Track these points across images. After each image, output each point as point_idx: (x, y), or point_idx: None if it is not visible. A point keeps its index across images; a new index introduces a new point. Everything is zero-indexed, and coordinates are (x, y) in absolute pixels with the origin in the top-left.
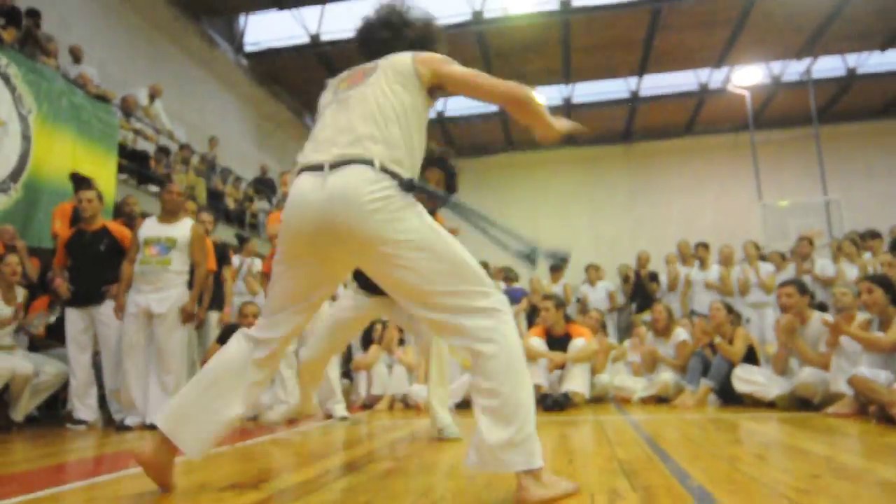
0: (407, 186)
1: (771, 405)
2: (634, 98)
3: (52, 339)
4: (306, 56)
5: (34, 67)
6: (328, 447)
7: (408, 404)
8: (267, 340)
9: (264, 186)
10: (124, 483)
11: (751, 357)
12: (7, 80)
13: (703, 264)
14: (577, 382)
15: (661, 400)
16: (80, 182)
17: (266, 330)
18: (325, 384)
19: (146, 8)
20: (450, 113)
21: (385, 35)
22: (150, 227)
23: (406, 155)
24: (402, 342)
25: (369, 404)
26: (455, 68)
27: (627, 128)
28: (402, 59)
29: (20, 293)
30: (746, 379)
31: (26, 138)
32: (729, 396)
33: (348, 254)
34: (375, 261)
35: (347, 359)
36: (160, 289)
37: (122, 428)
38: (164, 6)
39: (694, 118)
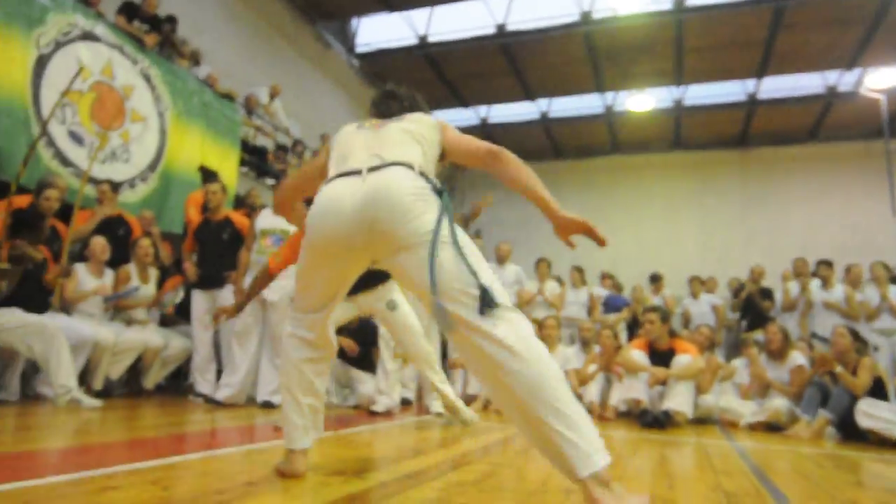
0: (438, 191)
1: None
2: (752, 101)
3: (179, 316)
4: (414, 57)
5: (171, 69)
6: (426, 443)
7: None
8: (312, 341)
9: None
10: (235, 458)
11: (878, 390)
12: (148, 81)
13: (826, 283)
14: (679, 401)
15: (771, 427)
16: (208, 175)
17: (307, 330)
18: (424, 380)
19: (268, 12)
20: (554, 114)
21: (394, 103)
22: (266, 219)
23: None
24: None
25: (465, 403)
26: (471, 140)
27: (743, 132)
28: (427, 116)
29: (153, 274)
30: (871, 414)
31: (163, 133)
32: (850, 431)
33: (376, 249)
34: (405, 254)
35: (443, 356)
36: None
37: (213, 402)
38: (284, 10)
39: (819, 123)
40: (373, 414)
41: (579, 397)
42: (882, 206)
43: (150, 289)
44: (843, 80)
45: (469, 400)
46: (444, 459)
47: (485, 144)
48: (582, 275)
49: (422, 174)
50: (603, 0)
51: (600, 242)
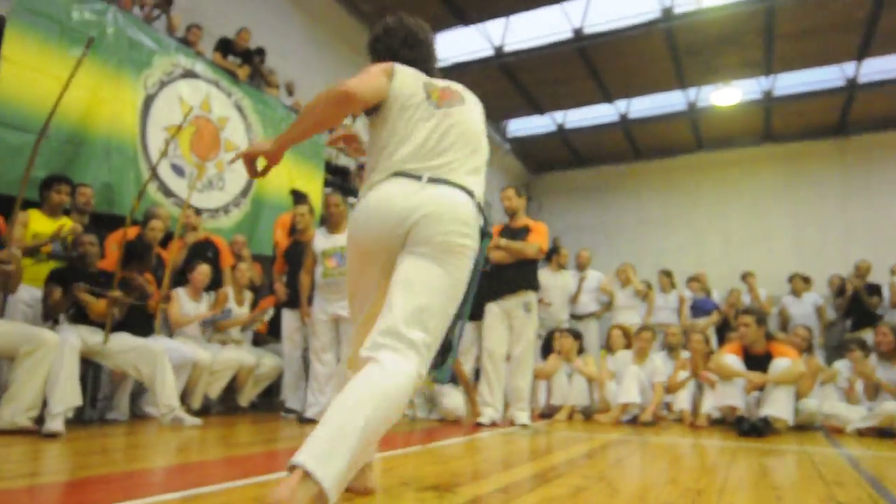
0: (483, 234)
1: None
2: (852, 86)
3: (271, 335)
4: (489, 68)
5: (261, 98)
6: (514, 455)
7: (587, 415)
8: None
9: None
10: None
11: None
12: (241, 111)
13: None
14: (778, 406)
15: (883, 433)
16: (299, 197)
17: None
18: (511, 391)
19: (348, 36)
20: (634, 115)
21: (426, 54)
22: (324, 240)
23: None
24: (580, 351)
25: (548, 413)
26: None
27: (842, 120)
28: (478, 103)
29: (248, 296)
30: None
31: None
32: None
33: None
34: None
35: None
36: (344, 297)
37: (304, 420)
38: (364, 33)
39: None
40: (477, 425)
41: (668, 406)
42: None
43: (244, 310)
44: None
45: (553, 410)
46: (534, 472)
47: None
48: (671, 278)
49: (479, 208)
50: None
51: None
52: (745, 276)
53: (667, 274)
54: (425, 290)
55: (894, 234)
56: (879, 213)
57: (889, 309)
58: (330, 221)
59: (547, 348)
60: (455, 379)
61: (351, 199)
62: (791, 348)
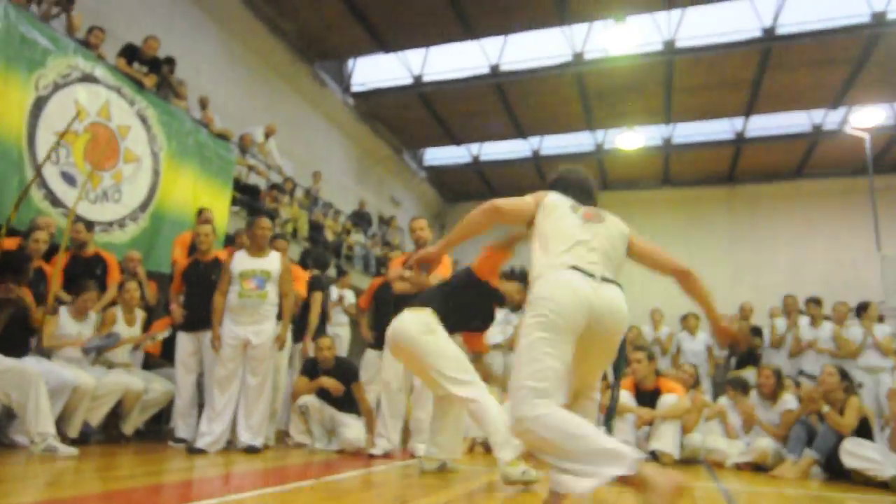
0: None
1: (884, 486)
2: (740, 139)
3: (163, 359)
4: (408, 96)
5: (168, 109)
6: (412, 490)
7: (488, 448)
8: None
9: (361, 220)
10: None
11: (864, 430)
12: (144, 121)
13: (815, 321)
14: (665, 441)
15: (757, 468)
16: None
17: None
18: (414, 422)
19: (266, 53)
20: (545, 151)
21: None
22: (244, 261)
23: None
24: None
25: None
26: (658, 251)
27: (731, 170)
28: (621, 226)
29: (139, 316)
30: (857, 454)
31: (156, 173)
32: (835, 471)
33: (589, 340)
34: (599, 352)
35: None
36: (258, 321)
37: (194, 451)
38: (283, 52)
39: (805, 161)
40: (371, 457)
41: None
42: (867, 241)
43: (134, 331)
44: (828, 118)
45: None
46: None
47: (673, 261)
48: None
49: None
50: (594, 41)
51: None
52: (653, 313)
53: None
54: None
55: (774, 278)
56: (762, 258)
57: (767, 349)
58: (255, 244)
59: None
60: (356, 408)
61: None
62: (678, 384)
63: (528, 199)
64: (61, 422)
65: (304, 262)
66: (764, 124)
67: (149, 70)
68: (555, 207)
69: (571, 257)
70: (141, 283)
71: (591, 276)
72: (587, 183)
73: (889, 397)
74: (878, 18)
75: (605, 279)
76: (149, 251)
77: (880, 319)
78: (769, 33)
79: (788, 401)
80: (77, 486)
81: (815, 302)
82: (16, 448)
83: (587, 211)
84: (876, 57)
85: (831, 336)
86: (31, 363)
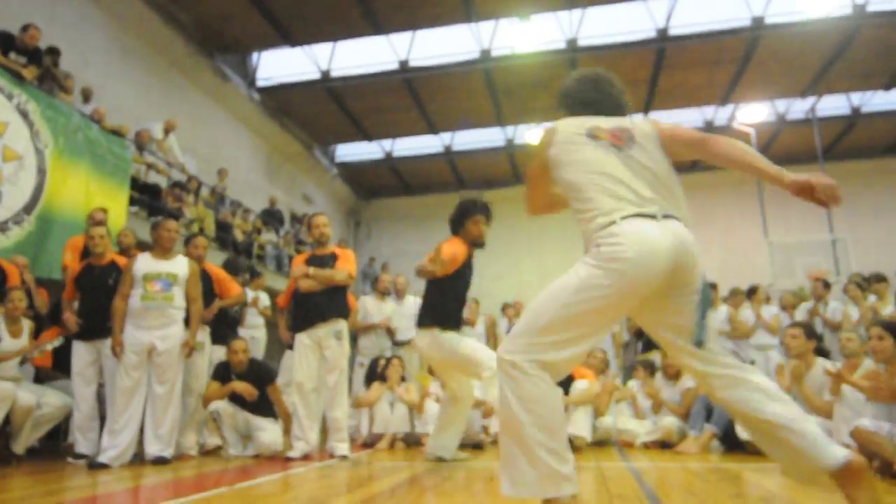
0: None
1: None
2: None
3: (57, 370)
4: (316, 91)
5: (52, 104)
6: (331, 489)
7: (408, 443)
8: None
9: (272, 218)
10: None
11: None
12: (25, 116)
13: (712, 304)
14: (578, 426)
15: (664, 445)
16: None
17: (545, 371)
18: (330, 422)
19: (162, 45)
20: (457, 147)
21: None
22: (148, 264)
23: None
24: (403, 379)
25: (370, 443)
26: (685, 130)
27: None
28: (645, 126)
29: (27, 325)
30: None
31: (41, 172)
32: (732, 443)
33: (660, 293)
34: (677, 301)
35: None
36: (164, 325)
37: (95, 466)
38: (180, 44)
39: None
40: (288, 460)
41: (485, 429)
42: (756, 230)
43: (21, 342)
44: (718, 115)
45: (376, 439)
46: None
47: (696, 133)
48: (478, 306)
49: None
50: (501, 38)
51: (835, 202)
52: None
53: (475, 301)
54: None
55: (734, 262)
56: (714, 244)
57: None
58: (161, 245)
59: (371, 376)
60: (272, 411)
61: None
62: (588, 370)
63: (539, 160)
64: None
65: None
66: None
67: (28, 61)
68: (568, 143)
69: (620, 204)
70: (29, 290)
71: (653, 217)
72: (604, 87)
73: (777, 373)
74: (757, 22)
75: (666, 216)
76: (37, 256)
77: (767, 301)
78: (662, 34)
79: (687, 380)
80: None
81: (712, 287)
82: None
83: (612, 132)
84: (758, 57)
85: (727, 318)
86: None
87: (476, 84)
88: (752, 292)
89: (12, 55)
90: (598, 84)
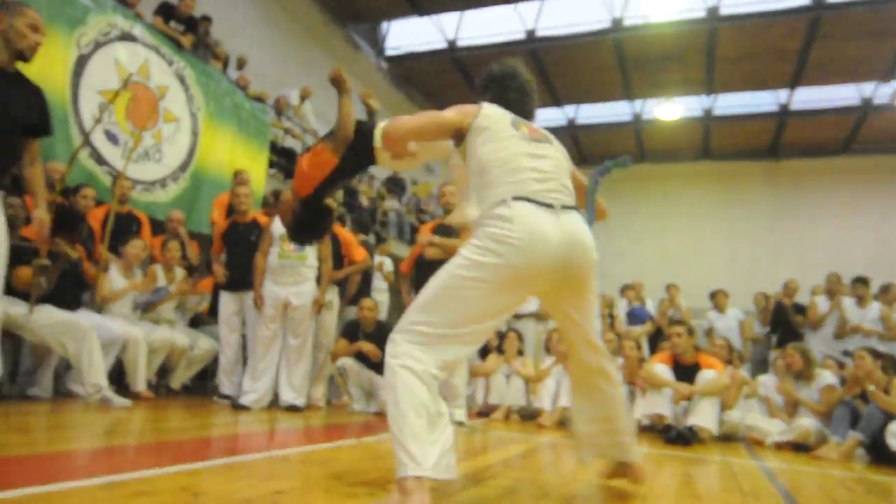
0: None
1: None
2: (784, 112)
3: (209, 316)
4: (442, 60)
5: (205, 70)
6: None
7: (524, 416)
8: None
9: (395, 186)
10: (261, 465)
11: None
12: (182, 81)
13: (862, 301)
14: (704, 417)
15: (798, 447)
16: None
17: (437, 368)
18: (448, 388)
19: (300, 14)
20: (581, 121)
21: (530, 102)
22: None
23: None
24: (520, 353)
25: (485, 412)
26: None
27: (774, 143)
28: (563, 150)
29: (179, 274)
30: None
31: (194, 133)
32: (881, 454)
33: (556, 286)
34: (576, 294)
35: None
36: (298, 282)
37: (238, 407)
38: (316, 13)
39: (853, 136)
40: None
41: None
42: None
43: (167, 287)
44: (878, 91)
45: (490, 409)
46: (467, 472)
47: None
48: None
49: None
50: (635, 7)
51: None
52: (669, 288)
53: None
54: None
55: (817, 257)
56: (804, 235)
57: (809, 329)
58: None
59: (485, 347)
60: None
61: None
62: (717, 360)
63: (449, 114)
64: (117, 375)
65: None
66: (810, 97)
67: (185, 29)
68: (491, 124)
69: (522, 187)
70: (183, 242)
71: (550, 206)
72: (529, 87)
73: None
74: None
75: (564, 207)
76: (190, 211)
77: None
78: (819, 2)
79: (826, 377)
80: (133, 435)
81: (863, 282)
82: (72, 397)
83: (531, 126)
84: None
85: (878, 317)
86: (83, 316)
87: (605, 55)
88: None
89: (172, 23)
90: (525, 80)
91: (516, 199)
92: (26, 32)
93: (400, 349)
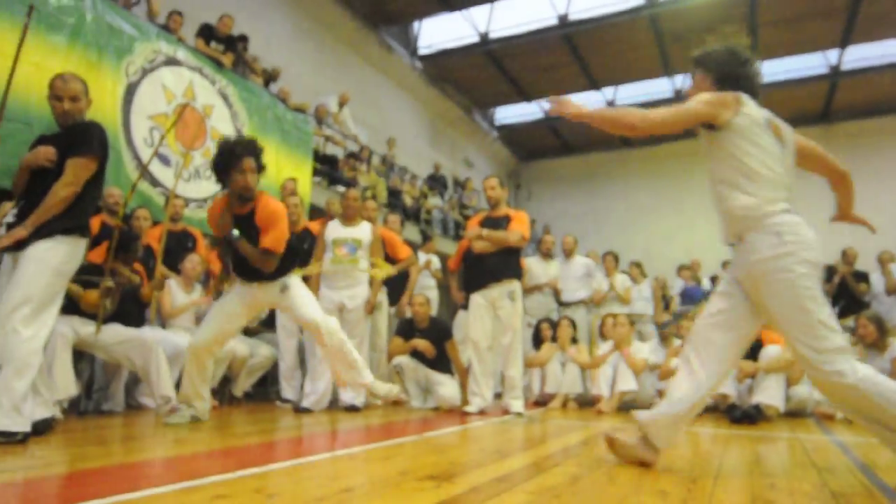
0: None
1: None
2: (835, 73)
3: (263, 325)
4: (475, 55)
5: (246, 86)
6: (510, 444)
7: (581, 403)
8: None
9: (437, 183)
10: (328, 464)
11: None
12: (226, 99)
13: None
14: (770, 394)
15: None
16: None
17: None
18: (505, 380)
19: (332, 23)
20: (620, 101)
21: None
22: (336, 230)
23: None
24: (574, 341)
25: (542, 401)
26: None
27: (826, 107)
28: (789, 132)
29: None
30: None
31: None
32: None
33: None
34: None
35: None
36: (351, 285)
37: (300, 410)
38: (348, 20)
39: None
40: (465, 414)
41: (660, 393)
42: None
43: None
44: None
45: (547, 398)
46: (530, 461)
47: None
48: (641, 269)
49: None
50: None
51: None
52: (724, 264)
53: (637, 265)
54: None
55: (879, 221)
56: (865, 200)
57: (877, 296)
58: (345, 214)
59: (537, 337)
60: (449, 367)
61: (339, 188)
62: (779, 335)
63: (703, 109)
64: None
65: None
66: (863, 54)
67: (225, 48)
68: (754, 125)
69: (785, 199)
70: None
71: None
72: (752, 68)
73: None
74: None
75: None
76: None
77: None
78: None
79: None
80: (200, 443)
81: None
82: (143, 409)
83: (778, 126)
84: None
85: None
86: (148, 332)
87: (641, 33)
88: None
89: (213, 44)
90: (749, 63)
91: (782, 210)
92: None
93: (846, 367)
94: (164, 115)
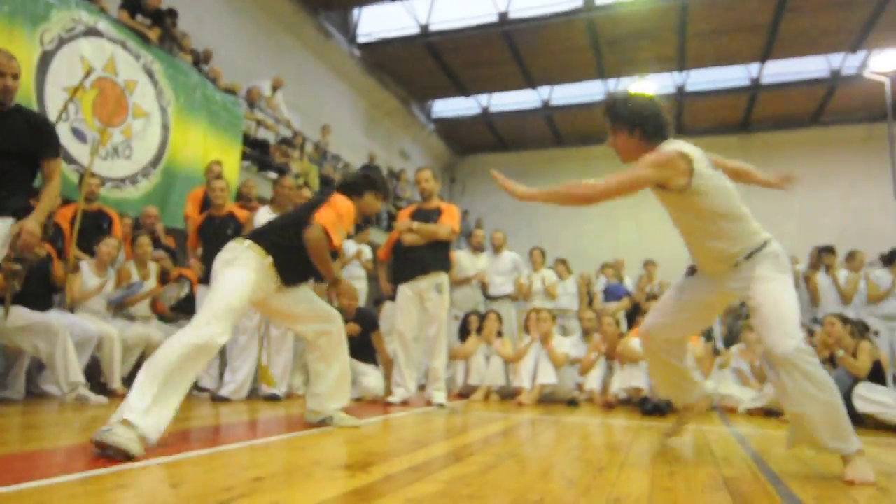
0: None
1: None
2: (755, 85)
3: (180, 312)
4: (415, 46)
5: (173, 63)
6: (429, 435)
7: (503, 396)
8: None
9: None
10: (242, 454)
11: (877, 374)
12: (151, 76)
13: (829, 270)
14: None
15: (769, 413)
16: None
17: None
18: (429, 371)
19: (269, 4)
20: (555, 102)
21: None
22: (265, 216)
23: None
24: (500, 334)
25: (465, 393)
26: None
27: (746, 117)
28: None
29: (153, 269)
30: (869, 398)
31: (165, 128)
32: (849, 416)
33: None
34: None
35: None
36: None
37: (217, 399)
38: (286, 1)
39: (822, 107)
40: (388, 404)
41: (579, 386)
42: (884, 189)
43: (150, 284)
44: (847, 63)
45: (470, 390)
46: (447, 451)
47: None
48: (566, 266)
49: None
50: None
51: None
52: (646, 265)
53: (562, 262)
54: None
55: (789, 226)
56: (776, 205)
57: None
58: (276, 201)
59: (464, 329)
60: (374, 357)
61: (270, 174)
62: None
63: (652, 174)
64: (92, 372)
65: None
66: (780, 70)
67: (151, 23)
68: (709, 177)
69: (755, 224)
70: (158, 238)
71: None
72: (665, 112)
73: None
74: None
75: None
76: (163, 207)
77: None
78: None
79: None
80: None
81: (830, 251)
82: (46, 397)
83: (713, 158)
84: None
85: (844, 283)
86: (55, 317)
87: (578, 35)
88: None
89: (138, 17)
90: (661, 106)
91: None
92: None
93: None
94: (80, 88)
